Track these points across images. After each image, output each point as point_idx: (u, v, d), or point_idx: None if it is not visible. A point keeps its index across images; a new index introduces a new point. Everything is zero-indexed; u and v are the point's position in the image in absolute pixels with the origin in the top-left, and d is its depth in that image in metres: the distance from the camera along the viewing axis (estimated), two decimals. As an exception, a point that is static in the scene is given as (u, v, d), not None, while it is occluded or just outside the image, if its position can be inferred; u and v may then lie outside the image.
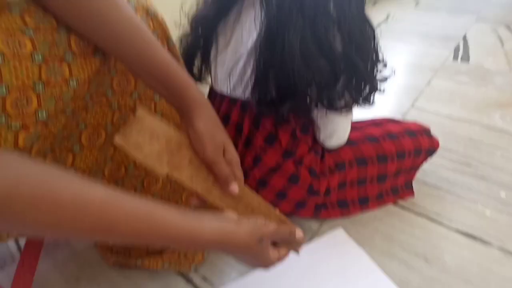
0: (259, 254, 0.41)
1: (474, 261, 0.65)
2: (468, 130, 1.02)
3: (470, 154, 0.92)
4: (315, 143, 0.68)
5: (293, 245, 0.47)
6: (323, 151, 0.69)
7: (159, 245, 0.37)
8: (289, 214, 0.71)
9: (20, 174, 0.27)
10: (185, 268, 0.64)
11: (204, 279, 0.64)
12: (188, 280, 0.64)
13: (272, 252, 0.43)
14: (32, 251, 0.63)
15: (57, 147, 0.44)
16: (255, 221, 0.41)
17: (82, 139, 0.47)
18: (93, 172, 0.50)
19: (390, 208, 0.77)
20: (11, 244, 0.75)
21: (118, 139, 0.40)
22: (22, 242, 0.65)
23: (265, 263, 0.43)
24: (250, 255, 0.41)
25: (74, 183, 0.30)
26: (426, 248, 0.68)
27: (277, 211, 0.50)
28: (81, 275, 0.66)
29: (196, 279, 0.64)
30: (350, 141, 0.71)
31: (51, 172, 0.29)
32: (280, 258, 0.45)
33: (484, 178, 0.84)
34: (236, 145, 0.55)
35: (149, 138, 0.41)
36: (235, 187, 0.45)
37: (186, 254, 0.65)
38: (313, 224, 0.73)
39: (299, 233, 0.46)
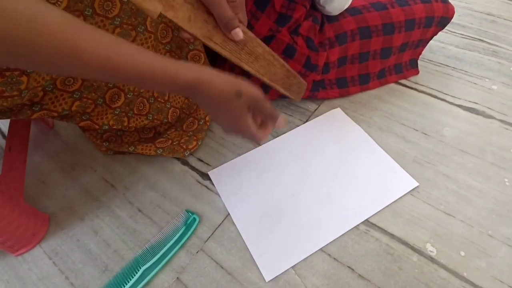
0: (236, 112, 0.37)
1: (474, 133, 0.64)
2: (487, 4, 0.90)
3: (485, 29, 0.83)
4: (314, 10, 0.59)
5: (269, 126, 0.42)
6: (322, 20, 0.60)
7: (128, 83, 0.33)
8: (283, 96, 0.67)
9: None
10: (179, 155, 0.62)
11: (200, 160, 0.64)
12: (184, 163, 0.64)
13: (251, 120, 0.39)
14: (18, 137, 0.61)
15: None
16: (237, 78, 0.37)
17: None
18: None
19: (391, 86, 0.72)
20: (1, 140, 0.73)
21: None
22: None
23: (242, 126, 0.39)
24: (226, 110, 0.37)
25: None
26: (426, 123, 0.66)
27: (285, 63, 0.44)
28: (76, 164, 0.66)
29: (192, 161, 0.64)
30: (353, 9, 0.62)
31: None
32: (259, 131, 0.41)
33: (496, 54, 0.78)
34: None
35: None
36: (238, 32, 0.39)
37: (180, 142, 0.63)
38: (311, 105, 0.70)
39: (281, 119, 0.41)
